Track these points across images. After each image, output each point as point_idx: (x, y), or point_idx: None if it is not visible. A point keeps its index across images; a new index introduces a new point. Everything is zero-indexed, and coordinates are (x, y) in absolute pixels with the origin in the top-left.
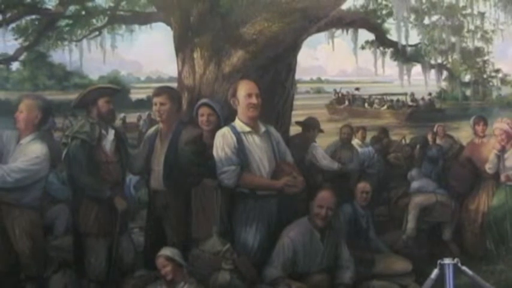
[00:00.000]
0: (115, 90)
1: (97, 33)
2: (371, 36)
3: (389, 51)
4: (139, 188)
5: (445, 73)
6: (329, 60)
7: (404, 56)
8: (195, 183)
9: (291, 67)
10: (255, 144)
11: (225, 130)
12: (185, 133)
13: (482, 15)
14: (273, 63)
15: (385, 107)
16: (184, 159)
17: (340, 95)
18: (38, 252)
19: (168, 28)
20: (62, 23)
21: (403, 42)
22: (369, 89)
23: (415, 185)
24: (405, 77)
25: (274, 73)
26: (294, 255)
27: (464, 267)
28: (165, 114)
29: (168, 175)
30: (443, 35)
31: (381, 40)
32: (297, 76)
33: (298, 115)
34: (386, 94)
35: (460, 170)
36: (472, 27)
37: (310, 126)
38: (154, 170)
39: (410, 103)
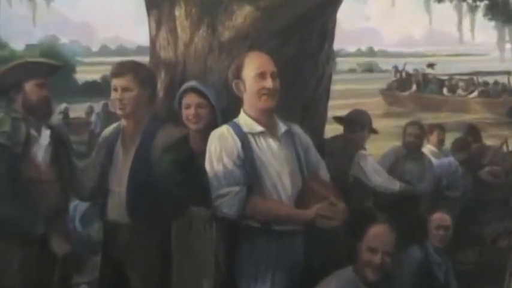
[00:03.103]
0: (52, 68)
1: None
2: None
3: (482, 4)
4: (90, 220)
5: None
6: (386, 20)
7: (507, 12)
8: (177, 213)
9: (327, 32)
10: (271, 151)
11: (224, 130)
12: (162, 135)
13: None
14: (298, 25)
15: (474, 93)
16: (161, 176)
17: (403, 74)
18: None
19: None
20: None
21: None
22: (449, 65)
23: None
24: (507, 46)
25: (300, 41)
26: None
27: None
28: (131, 106)
29: (135, 200)
30: None
31: None
32: (337, 46)
33: (337, 107)
34: (476, 73)
35: None
36: None
37: (357, 124)
38: (114, 193)
39: None
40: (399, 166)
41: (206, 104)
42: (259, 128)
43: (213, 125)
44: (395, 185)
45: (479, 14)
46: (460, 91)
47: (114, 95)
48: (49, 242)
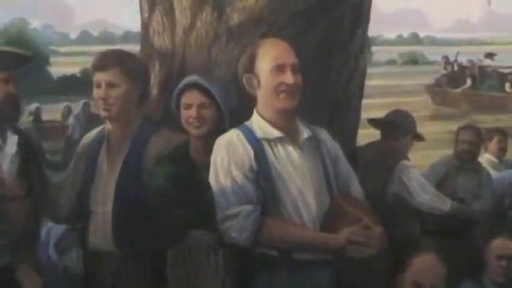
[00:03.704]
0: (20, 59)
1: None
2: None
3: None
4: (67, 247)
5: None
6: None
7: None
8: (174, 239)
9: (361, 14)
10: (291, 162)
11: (233, 136)
12: (156, 142)
13: None
14: (325, 6)
15: None
16: (155, 193)
17: (455, 67)
18: None
19: None
20: None
21: None
22: None
23: None
24: None
25: (328, 26)
26: None
27: None
28: (118, 106)
29: (123, 223)
30: None
31: None
32: (373, 31)
33: (373, 107)
34: None
35: None
36: None
37: (398, 128)
38: (97, 214)
39: None
40: (450, 180)
41: (211, 103)
42: (276, 133)
43: (219, 129)
44: (446, 204)
45: None
46: None
47: (97, 93)
48: (16, 273)
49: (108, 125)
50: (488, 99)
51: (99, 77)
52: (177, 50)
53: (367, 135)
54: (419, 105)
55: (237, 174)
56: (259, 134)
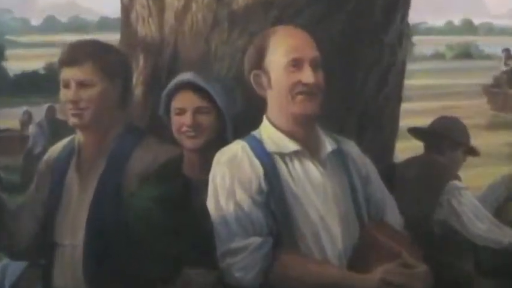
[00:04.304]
0: None
1: None
2: None
3: None
4: None
5: None
6: None
7: None
8: (163, 279)
9: None
10: (310, 183)
11: (238, 149)
12: (140, 156)
13: None
14: None
15: None
16: (138, 221)
17: None
18: None
19: None
20: None
21: None
22: None
23: None
24: None
25: (356, 11)
26: None
27: None
28: (91, 111)
29: (97, 259)
30: None
31: None
32: (415, 18)
33: (415, 112)
34: None
35: None
36: None
37: (446, 139)
38: (64, 248)
39: None
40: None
41: (209, 108)
42: (292, 146)
43: (220, 141)
44: (507, 237)
45: None
46: None
47: (65, 94)
48: None
49: (79, 135)
50: None
51: (68, 74)
52: (167, 40)
53: (407, 148)
54: (472, 111)
55: (242, 198)
56: (270, 146)
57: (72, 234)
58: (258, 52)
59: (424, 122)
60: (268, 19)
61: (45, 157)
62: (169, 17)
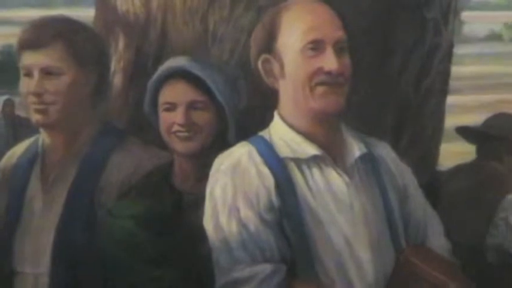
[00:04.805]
0: None
1: None
2: None
3: None
4: None
5: None
6: None
7: None
8: None
9: None
10: (333, 196)
11: (242, 154)
12: (119, 163)
13: None
14: None
15: None
16: (116, 245)
17: None
18: None
19: None
20: None
21: None
22: None
23: None
24: None
25: None
26: None
27: None
28: (59, 106)
29: None
30: None
31: None
32: None
33: (465, 108)
34: None
35: None
36: None
37: (503, 141)
38: (25, 276)
39: None
40: None
41: (206, 102)
42: (310, 151)
43: (220, 143)
44: None
45: None
46: None
47: (26, 85)
48: None
49: (43, 136)
50: None
51: (30, 59)
52: (154, 17)
53: (455, 153)
54: None
55: (247, 215)
56: (282, 151)
57: (35, 261)
58: (267, 32)
59: (476, 119)
60: None
61: (1, 164)
62: None
